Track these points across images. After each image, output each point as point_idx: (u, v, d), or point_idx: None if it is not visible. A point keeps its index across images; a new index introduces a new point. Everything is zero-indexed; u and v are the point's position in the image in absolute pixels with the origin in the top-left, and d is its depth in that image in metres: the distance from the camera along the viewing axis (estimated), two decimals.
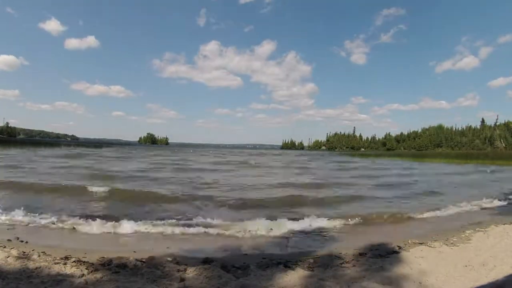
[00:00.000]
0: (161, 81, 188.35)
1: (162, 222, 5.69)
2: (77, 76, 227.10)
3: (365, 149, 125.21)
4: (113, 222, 5.50)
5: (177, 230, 5.33)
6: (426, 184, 12.98)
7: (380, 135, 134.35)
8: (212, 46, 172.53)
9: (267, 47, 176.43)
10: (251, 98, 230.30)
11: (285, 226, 5.72)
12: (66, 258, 3.69)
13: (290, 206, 7.79)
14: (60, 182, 10.19)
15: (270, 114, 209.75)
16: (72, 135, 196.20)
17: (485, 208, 8.05)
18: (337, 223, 6.09)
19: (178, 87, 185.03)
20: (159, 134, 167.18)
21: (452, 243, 4.65)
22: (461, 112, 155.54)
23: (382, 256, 4.10)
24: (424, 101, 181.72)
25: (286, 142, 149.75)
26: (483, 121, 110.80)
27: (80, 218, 5.70)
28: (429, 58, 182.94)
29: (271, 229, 5.51)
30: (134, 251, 4.14)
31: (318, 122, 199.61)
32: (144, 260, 3.74)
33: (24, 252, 3.78)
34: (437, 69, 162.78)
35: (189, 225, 5.57)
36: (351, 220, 6.30)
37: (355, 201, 8.79)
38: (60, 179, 10.98)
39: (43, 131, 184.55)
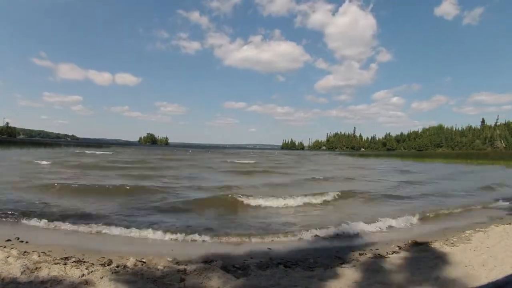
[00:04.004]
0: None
1: None
2: None
3: (365, 149, 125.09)
4: None
5: None
6: None
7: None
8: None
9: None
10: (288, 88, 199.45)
11: None
12: (66, 258, 3.70)
13: None
14: None
15: (296, 106, 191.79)
16: (72, 135, 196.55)
17: None
18: None
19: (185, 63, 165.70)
20: (159, 134, 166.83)
21: (452, 243, 4.65)
22: None
23: (382, 256, 4.10)
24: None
25: (286, 142, 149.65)
26: (483, 121, 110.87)
27: None
28: None
29: None
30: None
31: (344, 119, 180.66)
32: (144, 260, 3.74)
33: (24, 252, 3.78)
34: None
35: None
36: None
37: None
38: None
39: (43, 131, 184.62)
